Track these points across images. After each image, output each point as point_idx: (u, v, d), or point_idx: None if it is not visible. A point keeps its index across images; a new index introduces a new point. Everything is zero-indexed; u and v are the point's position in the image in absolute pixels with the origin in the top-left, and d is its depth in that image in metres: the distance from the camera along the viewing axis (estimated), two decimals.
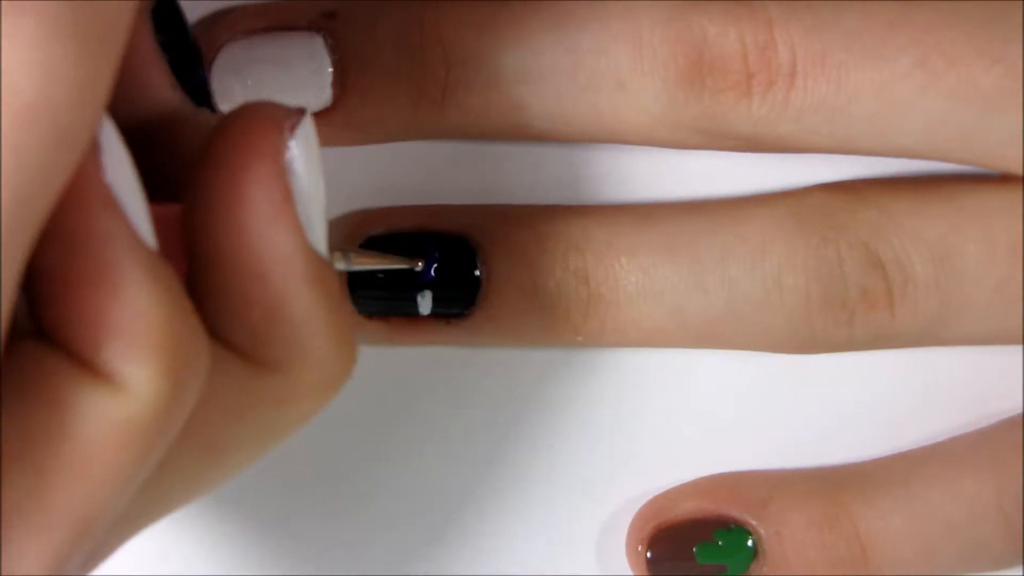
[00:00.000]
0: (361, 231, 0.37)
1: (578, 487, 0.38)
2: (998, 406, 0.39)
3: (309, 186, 0.27)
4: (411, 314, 0.37)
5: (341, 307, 0.28)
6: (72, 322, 0.24)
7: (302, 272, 0.27)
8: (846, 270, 0.36)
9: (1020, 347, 0.38)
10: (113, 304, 0.24)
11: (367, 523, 0.38)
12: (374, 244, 0.37)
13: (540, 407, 0.38)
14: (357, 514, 0.38)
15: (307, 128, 0.27)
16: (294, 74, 0.35)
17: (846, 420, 0.39)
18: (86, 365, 0.24)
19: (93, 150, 0.24)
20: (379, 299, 0.37)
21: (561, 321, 0.37)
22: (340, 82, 0.35)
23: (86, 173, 0.23)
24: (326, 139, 0.36)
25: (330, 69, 0.35)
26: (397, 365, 0.38)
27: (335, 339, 0.27)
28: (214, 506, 0.38)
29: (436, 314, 0.37)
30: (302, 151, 0.26)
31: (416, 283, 0.37)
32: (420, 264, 0.36)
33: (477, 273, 0.37)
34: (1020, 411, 0.38)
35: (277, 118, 0.27)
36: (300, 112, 0.27)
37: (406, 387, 0.38)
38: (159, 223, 0.25)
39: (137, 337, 0.24)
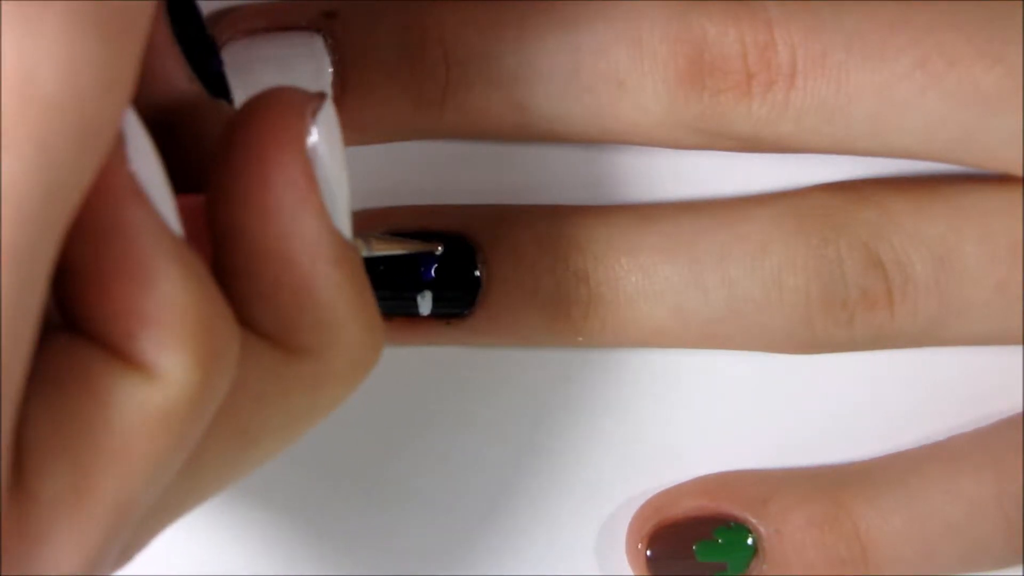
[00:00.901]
0: (361, 232, 0.37)
1: (578, 487, 0.38)
2: (998, 406, 0.39)
3: (332, 170, 0.27)
4: (411, 314, 0.37)
5: (367, 290, 0.28)
6: (104, 313, 0.24)
7: (329, 255, 0.27)
8: (846, 270, 0.36)
9: (1020, 347, 0.38)
10: (144, 293, 0.24)
11: (365, 522, 0.38)
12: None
13: (540, 407, 0.38)
14: (355, 512, 0.38)
15: (328, 113, 0.27)
16: (294, 74, 0.35)
17: (846, 420, 0.39)
18: (119, 355, 0.24)
19: (117, 141, 0.24)
20: (379, 299, 0.36)
21: (561, 321, 0.37)
22: (340, 82, 0.35)
23: (111, 164, 0.24)
24: None
25: (330, 69, 0.35)
26: (397, 365, 0.38)
27: (363, 322, 0.28)
28: (212, 506, 0.38)
29: (436, 314, 0.37)
30: (324, 136, 0.27)
31: (416, 283, 0.37)
32: (440, 248, 0.36)
33: (477, 273, 0.36)
34: (1020, 411, 0.38)
35: (298, 103, 0.27)
36: (321, 97, 0.27)
37: (405, 387, 0.38)
38: (182, 214, 0.25)
39: (170, 326, 0.24)
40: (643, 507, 0.38)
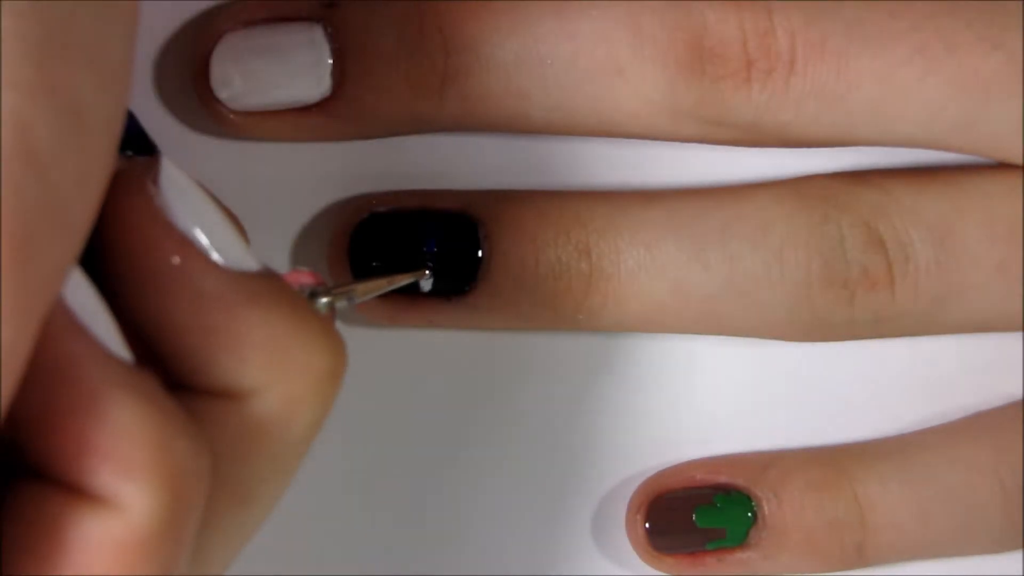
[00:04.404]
0: (365, 208, 0.37)
1: (575, 473, 0.39)
2: (998, 400, 0.39)
3: (201, 215, 0.27)
4: (413, 291, 0.37)
5: (300, 307, 0.28)
6: (62, 452, 0.24)
7: (240, 297, 0.27)
8: (847, 248, 0.36)
9: (1020, 340, 0.38)
10: (97, 427, 0.24)
11: (364, 502, 0.38)
12: (378, 222, 0.36)
13: (540, 395, 0.39)
14: (357, 489, 0.38)
15: (168, 170, 0.27)
16: (293, 63, 0.35)
17: (845, 413, 0.39)
18: (81, 493, 0.24)
19: None
20: (382, 276, 0.36)
21: (562, 296, 0.37)
22: (339, 71, 0.35)
23: None
24: (326, 133, 0.36)
25: (329, 59, 0.35)
26: (398, 352, 0.38)
27: (306, 340, 0.27)
28: None
29: (437, 291, 0.37)
30: (174, 191, 0.27)
31: (418, 259, 0.37)
32: (427, 273, 0.36)
33: (478, 248, 0.36)
34: (1019, 399, 0.39)
35: (137, 177, 0.27)
36: (154, 159, 0.27)
37: (407, 373, 0.38)
38: None
39: (127, 456, 0.24)
40: (643, 483, 0.38)
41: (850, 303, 0.36)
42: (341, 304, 0.31)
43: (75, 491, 0.24)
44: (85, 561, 0.24)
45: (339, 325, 0.37)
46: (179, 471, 0.24)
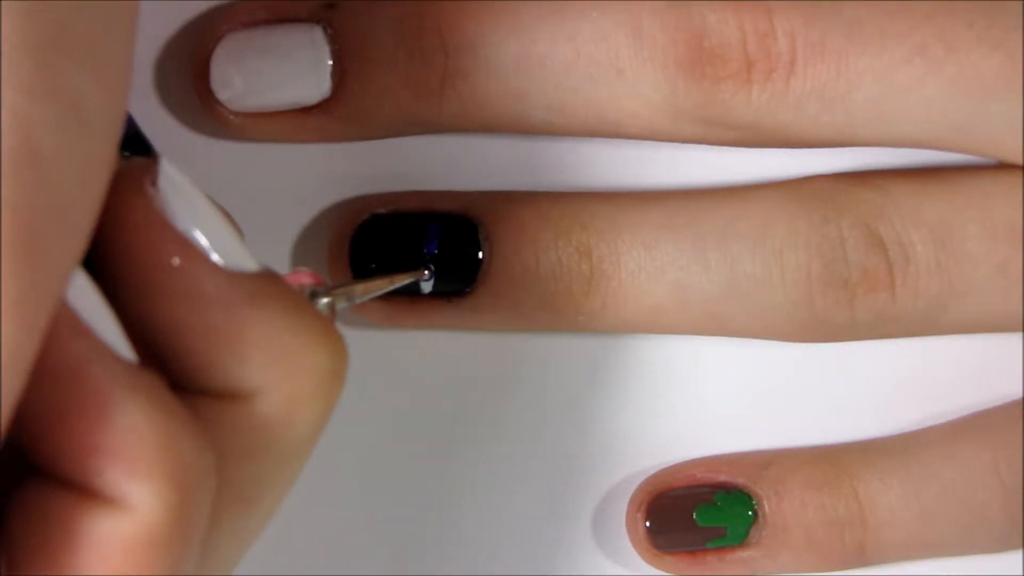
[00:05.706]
0: (366, 209, 0.37)
1: (576, 472, 0.39)
2: (999, 401, 0.39)
3: (195, 217, 0.27)
4: (413, 292, 0.37)
5: (302, 306, 0.28)
6: (68, 453, 0.24)
7: (239, 298, 0.27)
8: (847, 249, 0.36)
9: (1020, 340, 0.38)
10: (103, 427, 0.24)
11: (366, 504, 0.38)
12: (378, 223, 0.37)
13: (541, 396, 0.39)
14: (357, 490, 0.38)
15: (167, 171, 0.27)
16: (293, 64, 0.35)
17: (845, 414, 0.39)
18: (89, 493, 0.24)
19: None
20: (382, 276, 0.36)
21: (563, 297, 0.37)
22: (339, 72, 0.35)
23: None
24: (326, 134, 0.36)
25: (329, 60, 0.35)
26: (398, 353, 0.38)
27: (308, 340, 0.27)
28: None
29: (438, 292, 0.37)
30: (173, 192, 0.27)
31: (418, 259, 0.37)
32: (427, 273, 0.36)
33: (479, 250, 0.36)
34: (1020, 396, 0.39)
35: (136, 178, 0.27)
36: (153, 161, 0.27)
37: (407, 374, 0.38)
38: None
39: (133, 456, 0.24)
40: (643, 482, 0.38)
41: (850, 304, 0.36)
42: (341, 304, 0.31)
43: (82, 491, 0.24)
44: (93, 561, 0.24)
45: (339, 327, 0.38)
46: (185, 470, 0.25)
